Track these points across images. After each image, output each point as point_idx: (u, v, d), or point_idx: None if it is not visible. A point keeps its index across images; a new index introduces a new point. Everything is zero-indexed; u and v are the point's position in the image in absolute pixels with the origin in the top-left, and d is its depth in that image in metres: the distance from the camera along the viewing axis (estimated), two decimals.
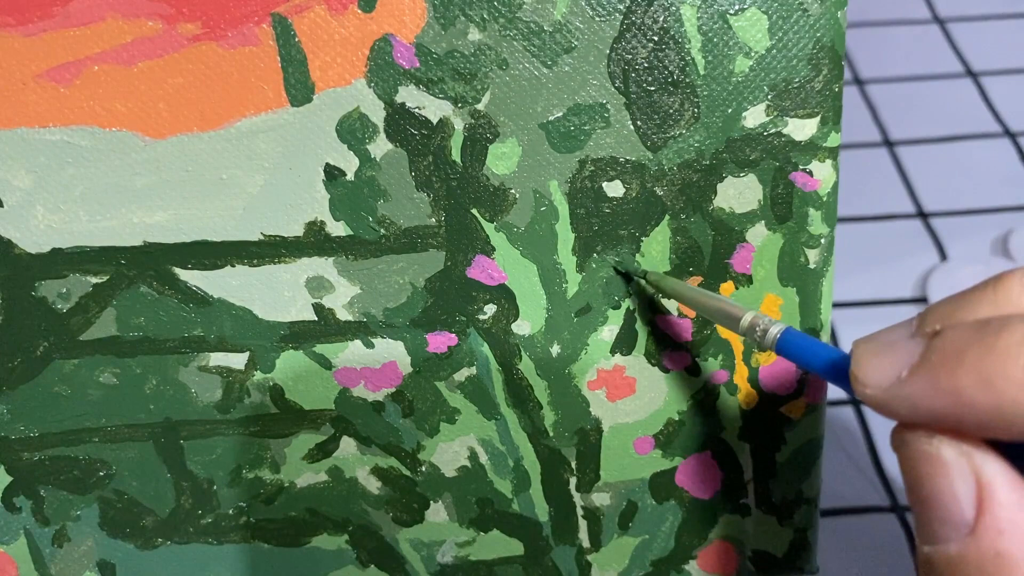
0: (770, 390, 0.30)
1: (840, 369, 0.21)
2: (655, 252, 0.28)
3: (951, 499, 0.18)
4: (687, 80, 0.27)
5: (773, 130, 0.27)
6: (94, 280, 0.27)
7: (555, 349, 0.29)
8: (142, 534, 0.30)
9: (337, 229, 0.27)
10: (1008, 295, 0.19)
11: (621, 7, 0.26)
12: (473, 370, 0.29)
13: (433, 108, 0.26)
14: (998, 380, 0.17)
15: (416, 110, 0.26)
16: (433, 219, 0.27)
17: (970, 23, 0.59)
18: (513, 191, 0.27)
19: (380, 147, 0.27)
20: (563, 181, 0.27)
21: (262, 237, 0.27)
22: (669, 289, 0.27)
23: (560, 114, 0.27)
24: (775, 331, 0.23)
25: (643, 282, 0.28)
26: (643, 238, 0.28)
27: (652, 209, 0.28)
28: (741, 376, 0.29)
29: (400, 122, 0.27)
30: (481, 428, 0.29)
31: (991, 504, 0.18)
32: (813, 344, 0.22)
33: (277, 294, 0.28)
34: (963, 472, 0.18)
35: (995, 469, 0.18)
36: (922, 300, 0.44)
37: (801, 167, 0.28)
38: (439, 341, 0.28)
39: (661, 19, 0.26)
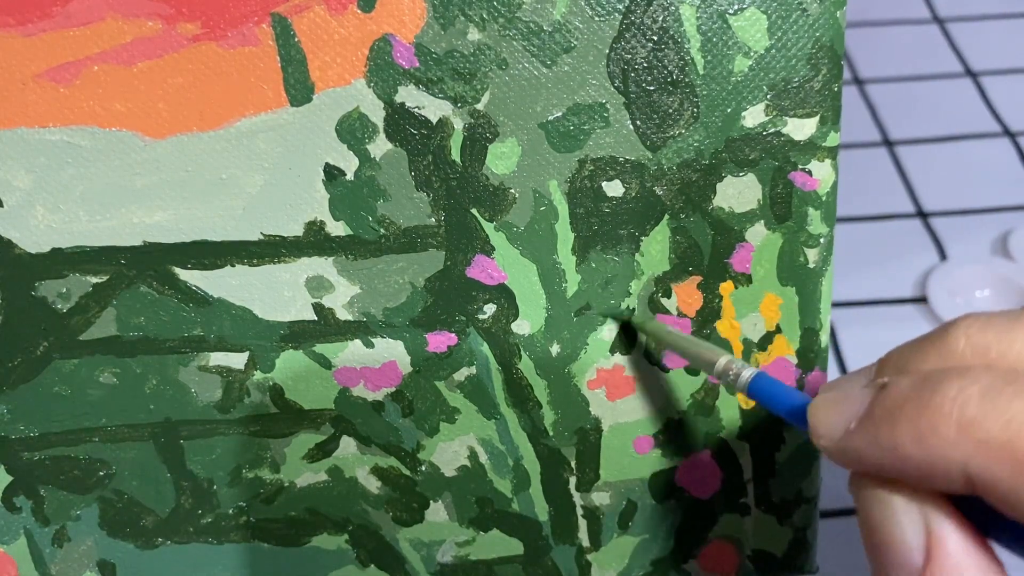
0: None
1: (803, 416, 0.21)
2: (655, 252, 0.28)
3: (902, 546, 0.19)
4: (686, 80, 0.27)
5: (772, 130, 0.27)
6: (94, 280, 0.27)
7: (555, 349, 0.29)
8: (142, 534, 0.30)
9: (337, 229, 0.27)
10: (954, 346, 0.19)
11: (620, 7, 0.26)
12: (473, 370, 0.29)
13: (433, 108, 0.27)
14: (930, 437, 0.17)
15: (416, 110, 0.27)
16: (433, 219, 0.27)
17: (970, 23, 0.59)
18: (513, 191, 0.27)
19: (380, 147, 0.27)
20: (563, 181, 0.27)
21: (262, 237, 0.27)
22: (650, 331, 0.28)
23: (560, 114, 0.27)
24: (746, 375, 0.24)
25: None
26: (643, 238, 0.28)
27: (652, 209, 0.28)
28: None
29: (400, 122, 0.27)
30: (481, 428, 0.29)
31: (939, 552, 0.18)
32: (781, 390, 0.23)
33: (277, 294, 0.28)
34: (913, 520, 0.18)
35: (943, 518, 0.18)
36: (922, 300, 0.44)
37: (800, 167, 0.28)
38: (439, 341, 0.28)
39: (660, 19, 0.26)
